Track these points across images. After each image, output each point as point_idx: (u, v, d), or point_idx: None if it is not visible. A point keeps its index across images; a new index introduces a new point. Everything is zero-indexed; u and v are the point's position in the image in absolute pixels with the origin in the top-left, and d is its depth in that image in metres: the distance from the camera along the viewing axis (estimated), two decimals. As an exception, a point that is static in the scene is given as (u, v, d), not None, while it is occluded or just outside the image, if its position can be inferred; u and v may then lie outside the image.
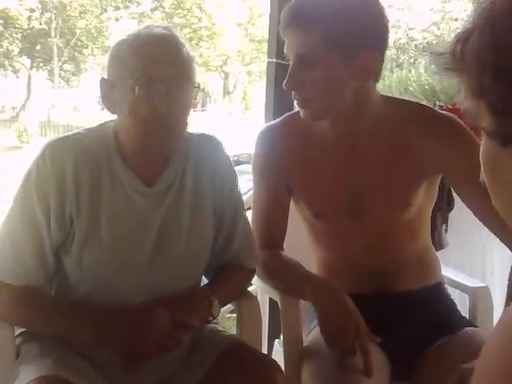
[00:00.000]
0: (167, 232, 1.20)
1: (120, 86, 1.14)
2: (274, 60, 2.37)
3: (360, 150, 1.31)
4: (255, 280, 1.43)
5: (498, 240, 2.08)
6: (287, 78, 1.23)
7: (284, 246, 1.41)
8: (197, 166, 1.25)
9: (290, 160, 1.36)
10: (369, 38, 1.20)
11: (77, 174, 1.14)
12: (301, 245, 1.44)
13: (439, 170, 1.32)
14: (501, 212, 0.59)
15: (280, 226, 1.40)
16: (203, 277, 1.34)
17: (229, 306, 1.37)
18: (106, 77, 1.17)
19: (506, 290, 1.04)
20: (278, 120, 1.42)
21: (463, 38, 0.55)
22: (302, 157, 1.35)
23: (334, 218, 1.35)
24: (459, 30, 0.56)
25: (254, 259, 1.34)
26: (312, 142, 1.35)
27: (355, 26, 1.18)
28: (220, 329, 1.32)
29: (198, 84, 1.18)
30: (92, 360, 1.17)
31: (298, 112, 1.33)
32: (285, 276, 1.34)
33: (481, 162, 0.58)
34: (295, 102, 1.30)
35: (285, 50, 1.26)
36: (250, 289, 1.41)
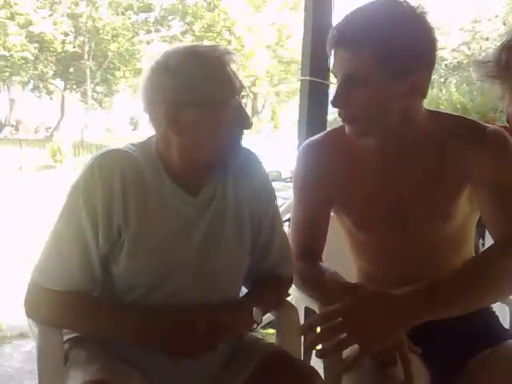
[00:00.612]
0: (211, 240, 1.23)
1: (194, 109, 1.15)
2: (308, 78, 2.42)
3: (403, 164, 1.31)
4: (292, 290, 1.45)
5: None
6: (334, 96, 1.24)
7: (324, 255, 1.42)
8: (236, 177, 1.28)
9: (333, 174, 1.36)
10: (418, 58, 1.20)
11: (124, 186, 1.16)
12: (341, 255, 1.45)
13: (470, 173, 1.30)
14: None
15: (319, 238, 1.41)
16: (242, 287, 1.37)
17: (269, 316, 1.38)
18: (161, 100, 1.16)
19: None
20: (320, 135, 1.44)
21: (508, 47, 0.57)
22: (345, 171, 1.36)
23: (375, 229, 1.35)
24: (505, 39, 0.58)
25: (290, 268, 1.36)
26: (355, 156, 1.35)
27: (405, 46, 1.18)
28: (260, 337, 1.33)
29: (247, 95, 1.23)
30: (137, 364, 1.19)
31: (341, 127, 1.34)
32: (322, 286, 1.35)
33: None
34: (341, 120, 1.30)
35: (331, 69, 1.27)
36: (289, 299, 1.42)
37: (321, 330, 1.08)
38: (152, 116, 1.19)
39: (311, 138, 1.44)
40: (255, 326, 1.24)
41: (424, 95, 1.27)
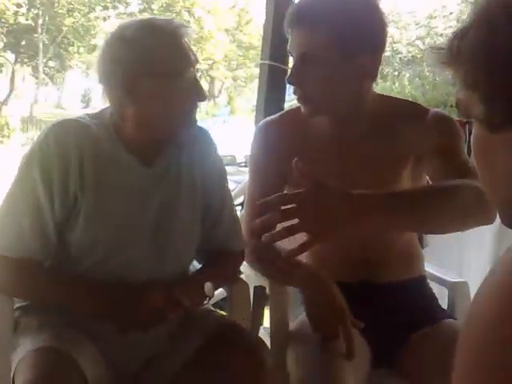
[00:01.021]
0: (166, 210, 1.27)
1: (151, 80, 1.18)
2: (267, 62, 2.44)
3: (353, 145, 1.37)
4: (244, 268, 1.49)
5: (474, 239, 2.16)
6: (290, 74, 1.29)
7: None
8: (191, 152, 1.32)
9: (288, 152, 1.39)
10: (369, 39, 1.27)
11: (80, 155, 1.19)
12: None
13: (416, 151, 1.37)
14: (488, 191, 0.65)
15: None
16: (195, 262, 1.41)
17: (222, 291, 1.42)
18: (119, 71, 1.18)
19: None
20: (276, 115, 1.48)
21: (460, 35, 0.62)
22: (299, 150, 1.39)
23: None
24: (457, 29, 0.63)
25: (240, 243, 1.40)
26: (309, 136, 1.40)
27: (357, 28, 1.25)
28: (212, 309, 1.37)
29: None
30: (88, 333, 1.21)
31: (297, 108, 1.39)
32: (273, 263, 1.39)
33: (472, 147, 0.65)
34: (296, 98, 1.35)
35: (288, 48, 1.32)
36: (241, 276, 1.46)
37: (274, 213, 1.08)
38: (107, 87, 1.21)
39: (268, 118, 1.48)
40: (207, 300, 1.27)
41: (374, 77, 1.33)
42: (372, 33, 1.28)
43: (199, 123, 1.31)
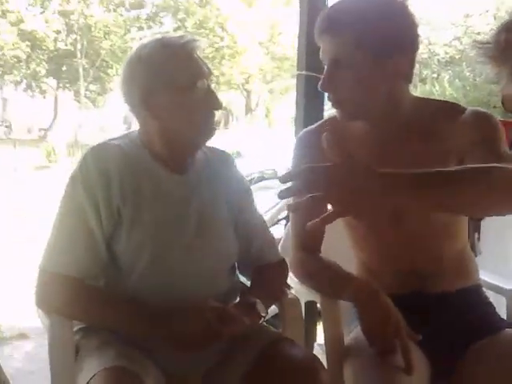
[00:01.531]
0: (205, 216, 1.31)
1: (166, 94, 1.25)
2: (304, 72, 2.43)
3: (393, 149, 1.35)
4: (292, 283, 1.48)
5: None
6: (322, 80, 1.31)
7: (323, 248, 1.45)
8: (217, 171, 1.38)
9: (326, 161, 1.40)
10: (399, 41, 1.27)
11: (119, 170, 1.25)
12: (339, 247, 1.48)
13: (459, 152, 1.32)
14: None
15: (318, 229, 1.44)
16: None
17: (273, 308, 1.41)
18: (135, 88, 1.26)
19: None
20: (315, 125, 1.49)
21: (507, 28, 0.60)
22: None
23: (371, 216, 1.39)
24: (503, 22, 0.61)
25: (277, 252, 1.44)
26: (348, 143, 1.39)
27: (386, 30, 1.25)
28: (265, 325, 1.37)
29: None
30: (146, 350, 1.23)
31: (335, 116, 1.39)
32: (323, 277, 1.38)
33: None
34: (331, 104, 1.36)
35: (320, 56, 1.33)
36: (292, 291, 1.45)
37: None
38: (130, 106, 1.30)
39: (307, 128, 1.49)
40: (261, 319, 1.27)
41: (408, 79, 1.32)
42: (401, 35, 1.27)
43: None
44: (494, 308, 1.45)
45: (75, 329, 1.28)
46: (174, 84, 1.25)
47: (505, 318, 1.46)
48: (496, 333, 1.34)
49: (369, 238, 1.44)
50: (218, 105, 1.29)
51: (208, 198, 1.34)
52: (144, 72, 1.26)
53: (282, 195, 1.04)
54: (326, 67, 1.31)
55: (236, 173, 1.43)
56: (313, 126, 1.49)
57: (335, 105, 1.34)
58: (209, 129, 1.30)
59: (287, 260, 1.45)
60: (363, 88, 1.29)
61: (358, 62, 1.26)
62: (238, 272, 1.44)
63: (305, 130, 1.50)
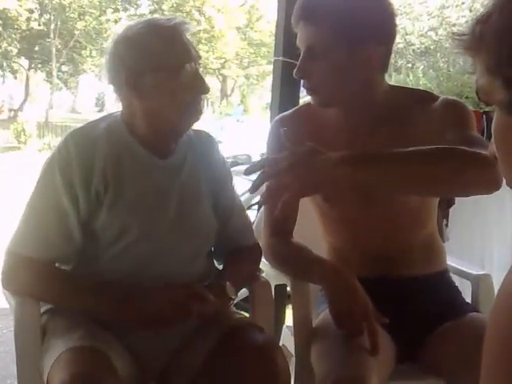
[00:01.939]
0: (185, 201, 1.31)
1: (150, 78, 1.23)
2: (281, 58, 2.43)
3: (366, 136, 1.37)
4: (263, 266, 1.49)
5: (496, 232, 2.15)
6: (297, 68, 1.32)
7: (295, 234, 1.46)
8: (196, 153, 1.37)
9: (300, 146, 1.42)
10: (374, 31, 1.28)
11: (103, 156, 1.24)
12: (311, 233, 1.49)
13: (430, 139, 1.31)
14: (508, 178, 0.64)
15: (290, 214, 1.45)
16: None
17: (243, 291, 1.43)
18: (122, 68, 1.24)
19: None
20: (290, 111, 1.50)
21: (483, 19, 0.61)
22: (314, 143, 1.41)
23: (341, 200, 1.41)
24: (479, 13, 0.62)
25: (252, 237, 1.45)
26: (323, 128, 1.41)
27: (362, 19, 1.27)
28: (231, 310, 1.39)
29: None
30: (114, 331, 1.23)
31: (310, 102, 1.41)
32: (294, 261, 1.39)
33: (493, 133, 0.64)
34: (305, 90, 1.37)
35: (297, 43, 1.34)
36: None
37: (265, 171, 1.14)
38: (115, 86, 1.28)
39: (282, 113, 1.51)
40: (231, 301, 1.28)
41: (384, 68, 1.34)
42: (377, 24, 1.29)
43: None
44: (460, 292, 1.49)
45: (42, 310, 1.28)
46: (161, 65, 1.24)
47: (469, 302, 1.50)
48: (461, 316, 1.38)
49: (339, 224, 1.46)
50: (204, 89, 1.28)
51: (189, 182, 1.34)
52: (132, 52, 1.24)
53: (251, 190, 1.13)
54: (301, 54, 1.32)
55: (218, 155, 1.43)
56: (288, 112, 1.50)
57: (309, 91, 1.36)
58: (194, 112, 1.29)
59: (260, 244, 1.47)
60: (338, 76, 1.30)
61: (334, 50, 1.27)
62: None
63: (279, 115, 1.51)
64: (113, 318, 1.22)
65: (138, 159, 1.29)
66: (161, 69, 1.23)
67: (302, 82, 1.36)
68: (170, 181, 1.32)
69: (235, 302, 1.32)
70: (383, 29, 1.30)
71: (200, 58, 1.29)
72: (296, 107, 1.52)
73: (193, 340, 1.30)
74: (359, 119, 1.38)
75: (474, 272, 1.55)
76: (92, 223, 1.24)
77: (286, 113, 1.50)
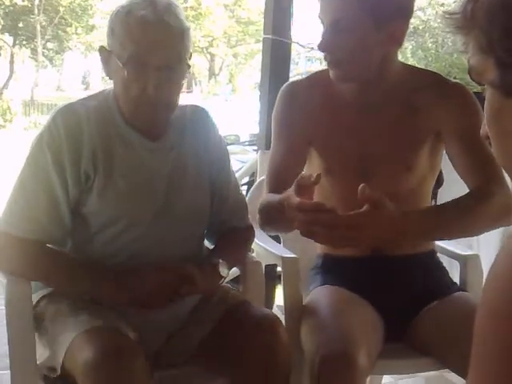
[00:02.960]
0: (174, 185, 1.29)
1: (114, 60, 1.21)
2: (271, 36, 2.41)
3: (374, 111, 1.39)
4: (254, 246, 1.50)
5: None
6: (321, 41, 1.31)
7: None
8: (193, 132, 1.34)
9: (310, 115, 1.42)
10: (399, 6, 1.29)
11: (91, 136, 1.21)
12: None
13: (437, 127, 1.39)
14: (500, 159, 0.64)
15: (291, 180, 1.43)
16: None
17: (234, 270, 1.43)
18: (105, 44, 1.24)
19: (492, 258, 1.12)
20: (303, 77, 1.51)
21: None
22: (322, 113, 1.42)
23: (341, 175, 1.42)
24: None
25: (246, 219, 1.43)
26: (332, 99, 1.42)
27: None
28: (229, 287, 1.40)
29: (190, 55, 1.25)
30: (116, 311, 1.23)
31: (324, 71, 1.40)
32: (268, 206, 1.36)
33: (485, 113, 0.64)
34: (327, 63, 1.36)
35: (319, 14, 1.33)
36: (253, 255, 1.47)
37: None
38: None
39: (293, 80, 1.52)
40: (222, 280, 1.28)
41: (400, 44, 1.35)
42: (402, 0, 1.30)
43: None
44: (447, 272, 1.51)
45: (38, 296, 1.27)
46: (118, 56, 1.19)
47: (458, 282, 1.52)
48: (447, 295, 1.40)
49: (336, 197, 1.46)
50: (159, 95, 1.19)
51: (179, 164, 1.31)
52: (113, 27, 1.21)
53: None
54: (325, 27, 1.31)
55: (215, 135, 1.39)
56: (300, 78, 1.51)
57: (331, 65, 1.35)
58: (158, 107, 1.22)
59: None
60: (362, 51, 1.30)
61: (360, 25, 1.27)
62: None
63: (291, 81, 1.52)
64: (104, 297, 1.22)
65: (127, 140, 1.26)
66: (125, 58, 1.18)
67: (323, 55, 1.35)
68: (161, 163, 1.29)
69: (226, 280, 1.33)
70: (407, 5, 1.31)
71: (180, 59, 1.21)
72: (309, 74, 1.52)
73: (194, 319, 1.31)
74: (370, 95, 1.38)
75: (463, 252, 1.56)
76: (82, 208, 1.23)
77: (297, 79, 1.51)
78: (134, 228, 1.25)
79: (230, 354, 1.23)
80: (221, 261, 1.28)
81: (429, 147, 1.40)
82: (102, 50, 1.25)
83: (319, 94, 1.42)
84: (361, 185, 1.15)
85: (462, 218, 1.28)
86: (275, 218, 1.34)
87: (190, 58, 1.25)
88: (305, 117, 1.42)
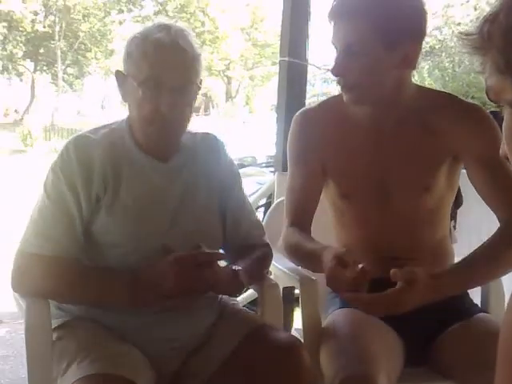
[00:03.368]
0: (184, 205, 1.31)
1: (129, 82, 1.27)
2: (287, 59, 2.43)
3: (390, 135, 1.39)
4: (272, 268, 1.49)
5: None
6: (334, 65, 1.33)
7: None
8: (204, 156, 1.38)
9: (325, 141, 1.43)
10: (411, 29, 1.29)
11: (101, 161, 1.25)
12: (325, 230, 1.49)
13: (455, 150, 1.38)
14: None
15: (310, 206, 1.46)
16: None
17: (251, 293, 1.42)
18: (122, 69, 1.29)
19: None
20: (314, 104, 1.51)
21: (490, 19, 0.61)
22: (337, 138, 1.42)
23: (358, 200, 1.41)
24: (486, 12, 0.62)
25: (263, 237, 1.44)
26: (347, 125, 1.42)
27: (397, 18, 1.27)
28: (242, 308, 1.40)
29: (201, 81, 1.30)
30: (128, 338, 1.23)
31: (336, 97, 1.42)
32: (303, 250, 1.38)
33: (503, 133, 0.64)
34: (340, 87, 1.37)
35: (332, 39, 1.34)
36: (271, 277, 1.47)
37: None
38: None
39: (306, 107, 1.52)
40: (241, 289, 1.29)
41: (414, 66, 1.35)
42: (412, 22, 1.29)
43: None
44: (468, 294, 1.48)
45: (53, 327, 1.27)
46: (133, 78, 1.25)
47: (479, 303, 1.49)
48: (468, 317, 1.38)
49: (353, 221, 1.46)
50: (169, 113, 1.24)
51: (189, 186, 1.33)
52: (123, 56, 1.28)
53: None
54: (337, 52, 1.32)
55: (225, 157, 1.42)
56: (312, 105, 1.51)
57: (345, 89, 1.36)
58: (169, 129, 1.27)
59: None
60: (374, 75, 1.31)
61: (372, 49, 1.28)
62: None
63: (303, 108, 1.51)
64: (124, 303, 1.22)
65: (137, 162, 1.30)
66: (137, 78, 1.24)
67: (336, 79, 1.36)
68: (171, 184, 1.32)
69: (243, 304, 1.32)
70: (417, 27, 1.31)
71: (197, 86, 1.27)
72: (320, 101, 1.52)
73: (211, 339, 1.30)
74: (385, 119, 1.39)
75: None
76: (91, 226, 1.25)
77: (310, 106, 1.52)
78: (142, 248, 1.26)
79: (252, 377, 1.22)
80: (242, 268, 1.27)
81: (447, 168, 1.39)
82: (118, 73, 1.30)
83: (333, 119, 1.43)
84: (391, 270, 1.19)
85: (494, 267, 1.32)
86: (307, 266, 1.41)
87: (201, 83, 1.30)
88: (319, 143, 1.43)
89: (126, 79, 1.27)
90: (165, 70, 1.24)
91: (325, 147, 1.43)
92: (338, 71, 1.33)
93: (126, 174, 1.28)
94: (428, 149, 1.38)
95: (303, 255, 1.38)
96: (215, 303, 1.37)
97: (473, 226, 2.09)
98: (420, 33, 1.32)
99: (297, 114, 1.49)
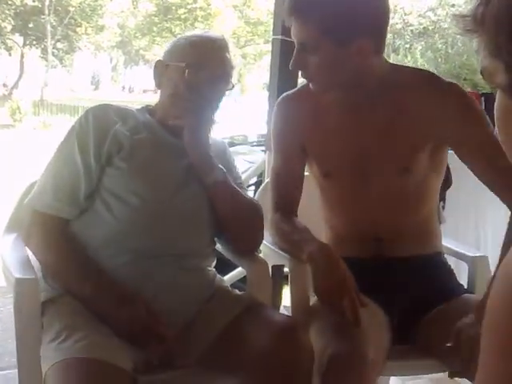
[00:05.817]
0: (186, 183, 1.36)
1: (172, 68, 1.37)
2: (280, 37, 2.41)
3: (365, 114, 1.40)
4: (262, 247, 1.50)
5: (490, 215, 2.16)
6: (292, 60, 1.36)
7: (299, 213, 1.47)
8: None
9: (303, 123, 1.46)
10: (362, 28, 1.29)
11: (117, 122, 1.34)
12: (312, 212, 1.50)
13: (438, 138, 1.38)
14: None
15: (295, 190, 1.48)
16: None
17: (240, 271, 1.43)
18: (162, 59, 1.41)
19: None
20: (294, 90, 1.53)
21: (485, 2, 0.61)
22: (316, 120, 1.45)
23: (339, 177, 1.43)
24: None
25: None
26: (321, 107, 1.45)
27: (347, 16, 1.29)
28: (230, 289, 1.41)
29: (233, 85, 1.43)
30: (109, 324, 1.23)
31: None
32: (291, 238, 1.41)
33: (495, 115, 0.64)
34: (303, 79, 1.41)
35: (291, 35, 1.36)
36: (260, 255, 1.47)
37: None
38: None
39: (286, 93, 1.53)
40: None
41: (378, 52, 1.35)
42: (366, 18, 1.30)
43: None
44: (454, 274, 1.50)
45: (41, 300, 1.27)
46: (178, 62, 1.35)
47: (466, 283, 1.51)
48: (454, 298, 1.39)
49: (336, 201, 1.48)
50: (207, 98, 1.34)
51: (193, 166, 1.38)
52: (167, 48, 1.41)
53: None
54: (295, 47, 1.35)
55: (228, 162, 1.47)
56: (291, 91, 1.52)
57: (307, 80, 1.40)
58: (200, 115, 1.35)
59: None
60: (330, 68, 1.33)
61: (323, 47, 1.30)
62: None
63: (283, 95, 1.53)
64: (84, 297, 1.24)
65: (152, 129, 1.38)
66: (184, 60, 1.34)
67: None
68: (180, 158, 1.37)
69: (229, 281, 1.33)
70: (373, 22, 1.31)
71: (229, 82, 1.40)
72: (299, 87, 1.54)
73: (201, 317, 1.31)
74: (358, 99, 1.40)
75: (471, 254, 1.55)
76: (100, 183, 1.32)
77: (289, 92, 1.53)
78: (144, 209, 1.29)
79: (249, 354, 1.22)
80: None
81: (428, 151, 1.39)
82: (158, 62, 1.40)
83: (310, 101, 1.45)
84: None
85: None
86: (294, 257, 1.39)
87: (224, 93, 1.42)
88: (298, 126, 1.47)
89: (165, 68, 1.37)
90: (210, 58, 1.36)
91: (303, 129, 1.46)
92: (294, 66, 1.37)
93: (140, 137, 1.35)
94: (403, 128, 1.38)
95: (288, 249, 1.42)
96: (213, 280, 1.39)
97: (460, 206, 2.10)
98: (370, 27, 1.31)
99: (278, 100, 1.52)
